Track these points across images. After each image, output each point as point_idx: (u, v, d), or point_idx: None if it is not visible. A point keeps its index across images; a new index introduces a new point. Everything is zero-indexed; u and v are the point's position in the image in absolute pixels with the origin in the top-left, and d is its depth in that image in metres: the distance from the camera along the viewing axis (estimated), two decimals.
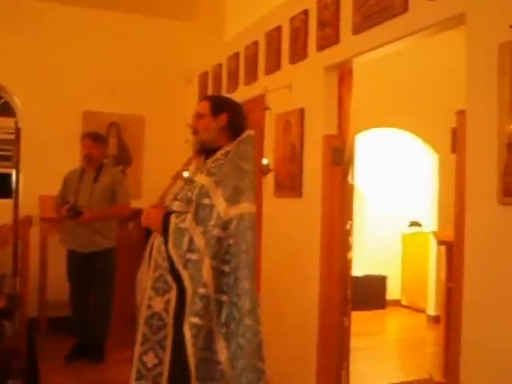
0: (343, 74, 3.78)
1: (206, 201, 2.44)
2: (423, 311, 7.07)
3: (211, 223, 2.38)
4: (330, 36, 3.67)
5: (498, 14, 2.44)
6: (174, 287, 2.45)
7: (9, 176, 5.38)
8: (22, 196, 4.86)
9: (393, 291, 7.77)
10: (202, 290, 2.34)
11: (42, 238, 5.44)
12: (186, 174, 2.78)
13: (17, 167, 4.44)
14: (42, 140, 5.73)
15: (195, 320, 2.33)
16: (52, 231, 5.33)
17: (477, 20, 2.57)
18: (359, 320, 5.35)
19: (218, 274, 2.37)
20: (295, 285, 4.03)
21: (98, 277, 4.70)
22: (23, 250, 4.48)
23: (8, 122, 5.75)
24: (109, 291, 4.73)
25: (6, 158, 5.92)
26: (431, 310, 6.83)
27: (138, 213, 5.03)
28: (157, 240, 2.54)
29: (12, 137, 4.80)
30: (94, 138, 4.76)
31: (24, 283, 4.45)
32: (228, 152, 2.57)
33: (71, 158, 5.57)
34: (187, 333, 2.34)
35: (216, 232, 2.36)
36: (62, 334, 5.05)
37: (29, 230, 4.69)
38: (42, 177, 5.56)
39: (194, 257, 2.39)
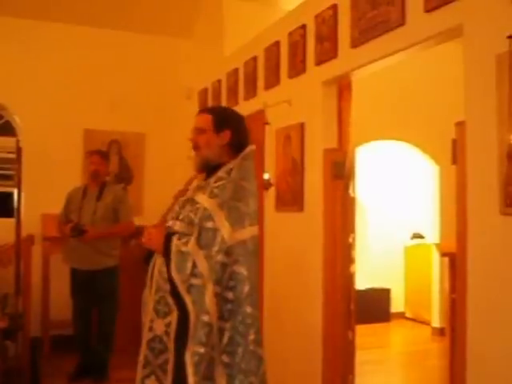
0: (342, 88, 3.79)
1: (209, 224, 2.35)
2: (428, 323, 7.03)
3: (215, 248, 2.30)
4: (328, 50, 3.69)
5: (495, 25, 2.45)
6: (175, 310, 2.39)
7: (11, 195, 5.39)
8: (24, 215, 4.85)
9: (397, 304, 7.74)
10: (205, 318, 2.27)
11: (44, 256, 5.43)
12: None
13: (18, 186, 4.45)
14: (43, 159, 5.75)
15: (198, 349, 2.26)
16: (54, 250, 5.32)
17: (474, 31, 2.58)
18: (363, 333, 5.33)
19: (221, 300, 2.31)
20: (298, 299, 4.02)
21: (101, 295, 4.68)
22: (25, 269, 4.47)
23: (9, 142, 5.77)
24: (112, 310, 4.71)
25: (8, 178, 5.93)
26: (436, 322, 6.79)
27: (140, 230, 5.06)
28: (158, 261, 2.47)
29: (13, 156, 4.81)
30: (101, 156, 4.80)
31: (26, 303, 4.43)
32: (231, 170, 2.46)
33: (73, 177, 5.59)
34: (189, 361, 2.27)
35: (220, 258, 2.29)
36: (65, 353, 5.04)
37: (31, 249, 4.69)
38: (43, 196, 5.57)
39: (197, 282, 2.31)
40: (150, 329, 2.46)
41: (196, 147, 2.56)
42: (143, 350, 2.48)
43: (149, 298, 2.51)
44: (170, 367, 2.40)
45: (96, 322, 4.78)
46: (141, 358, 2.48)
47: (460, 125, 2.74)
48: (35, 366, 4.55)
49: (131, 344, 5.25)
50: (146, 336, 2.48)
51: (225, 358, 2.32)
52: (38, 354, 4.97)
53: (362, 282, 6.79)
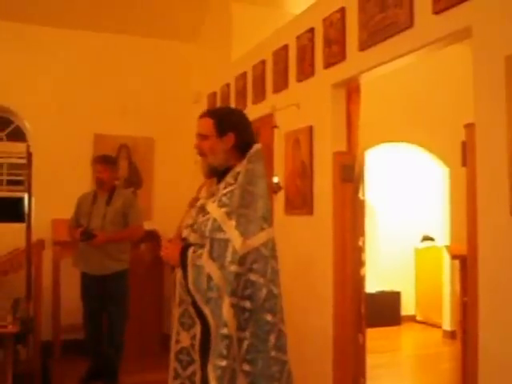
0: (351, 91, 3.79)
1: (220, 235, 2.30)
2: (439, 326, 6.99)
3: (228, 259, 2.25)
4: (336, 53, 3.69)
5: (504, 27, 2.44)
6: (198, 322, 2.37)
7: (21, 200, 5.41)
8: (34, 220, 4.88)
9: (407, 307, 7.70)
10: (224, 330, 2.22)
11: (54, 261, 5.44)
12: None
13: (29, 191, 4.47)
14: (53, 164, 5.78)
15: (219, 362, 2.21)
16: (65, 254, 5.33)
17: (483, 33, 2.57)
18: (374, 337, 5.31)
19: (239, 311, 2.25)
20: (308, 303, 4.01)
21: (111, 299, 4.68)
22: (36, 274, 4.49)
23: (19, 147, 5.79)
24: (122, 314, 4.71)
25: (18, 183, 5.96)
26: (447, 325, 6.75)
27: (149, 235, 5.08)
28: (178, 274, 2.44)
29: (24, 161, 4.84)
30: (103, 162, 4.75)
31: (37, 307, 4.46)
32: (238, 174, 2.39)
33: (83, 182, 5.61)
34: (211, 375, 2.22)
35: (233, 268, 2.23)
36: (76, 357, 5.05)
37: (41, 253, 4.71)
38: (54, 200, 5.59)
39: (213, 295, 2.27)
40: (177, 341, 2.45)
41: (201, 154, 2.50)
42: (172, 362, 2.46)
43: (174, 311, 2.49)
44: (197, 378, 2.39)
45: (106, 326, 4.79)
46: (170, 370, 2.47)
47: (469, 127, 2.73)
48: (46, 370, 4.58)
49: (141, 348, 5.29)
50: (174, 348, 2.46)
51: (245, 367, 2.28)
52: (48, 357, 5.01)
53: (372, 285, 6.76)
